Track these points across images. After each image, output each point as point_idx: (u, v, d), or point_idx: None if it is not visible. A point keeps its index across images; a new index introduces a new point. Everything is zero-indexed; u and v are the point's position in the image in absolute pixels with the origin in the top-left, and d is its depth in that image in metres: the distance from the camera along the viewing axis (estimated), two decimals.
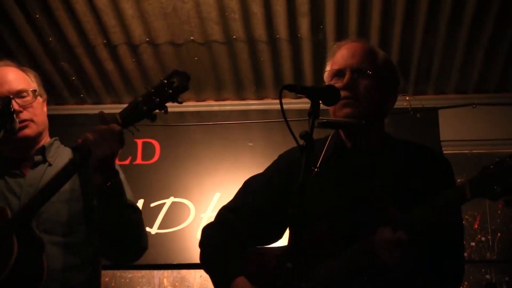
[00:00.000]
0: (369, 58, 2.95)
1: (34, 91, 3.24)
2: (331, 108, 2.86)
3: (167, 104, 2.69)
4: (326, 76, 3.01)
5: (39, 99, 3.27)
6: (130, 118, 2.71)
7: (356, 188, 2.84)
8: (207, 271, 3.04)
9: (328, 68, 3.02)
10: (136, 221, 3.00)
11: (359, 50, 2.97)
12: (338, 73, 2.93)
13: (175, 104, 2.71)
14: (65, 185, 2.93)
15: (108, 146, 2.73)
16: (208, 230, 3.12)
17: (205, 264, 3.06)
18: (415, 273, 2.56)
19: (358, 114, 2.84)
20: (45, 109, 3.34)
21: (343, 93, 2.77)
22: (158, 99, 2.62)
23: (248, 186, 3.17)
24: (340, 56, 2.98)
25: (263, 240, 3.04)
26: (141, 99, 2.65)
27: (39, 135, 3.25)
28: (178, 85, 2.61)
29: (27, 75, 3.31)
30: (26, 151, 3.24)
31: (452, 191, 2.45)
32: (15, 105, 3.12)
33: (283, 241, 3.07)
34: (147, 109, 2.64)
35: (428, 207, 2.48)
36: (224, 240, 3.02)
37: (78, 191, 3.12)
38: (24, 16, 5.17)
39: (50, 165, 3.22)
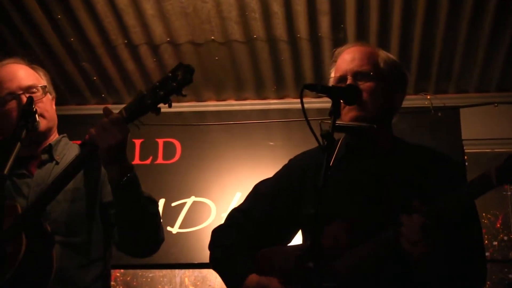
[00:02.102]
0: (369, 60, 2.92)
1: (43, 87, 3.24)
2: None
3: (181, 106, 2.68)
4: (331, 82, 3.00)
5: (49, 96, 3.27)
6: (135, 111, 2.71)
7: (368, 189, 2.84)
8: (218, 272, 3.05)
9: (332, 75, 3.00)
10: (154, 213, 3.00)
11: (359, 53, 2.94)
12: (341, 79, 2.91)
13: (196, 103, 2.71)
14: (69, 184, 2.94)
15: (111, 135, 2.72)
16: (217, 232, 3.13)
17: (215, 265, 3.07)
18: (439, 263, 2.55)
19: (364, 117, 2.82)
20: (54, 106, 3.33)
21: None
22: (162, 92, 2.62)
23: (258, 189, 3.17)
24: (341, 61, 2.96)
25: (272, 242, 3.01)
26: (146, 93, 2.67)
27: (49, 130, 3.25)
28: (181, 78, 2.61)
29: (37, 72, 3.32)
30: (35, 149, 3.24)
31: (478, 178, 2.44)
32: (24, 100, 3.14)
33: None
34: (151, 103, 2.64)
35: (454, 196, 2.47)
36: (234, 241, 3.02)
37: (82, 190, 3.12)
38: (46, 16, 5.20)
39: (57, 163, 3.22)
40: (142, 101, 2.67)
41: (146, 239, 3.03)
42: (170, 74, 2.63)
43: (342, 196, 2.85)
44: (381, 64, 2.94)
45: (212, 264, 3.08)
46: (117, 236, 3.06)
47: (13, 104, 3.18)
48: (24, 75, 3.25)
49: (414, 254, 2.50)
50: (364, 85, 2.84)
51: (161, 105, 2.69)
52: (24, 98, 3.14)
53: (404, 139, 3.03)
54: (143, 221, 2.93)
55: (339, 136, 2.98)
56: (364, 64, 2.88)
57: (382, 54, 3.00)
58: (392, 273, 2.62)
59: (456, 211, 2.49)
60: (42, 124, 3.14)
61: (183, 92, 2.65)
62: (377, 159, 2.89)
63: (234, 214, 3.13)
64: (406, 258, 2.52)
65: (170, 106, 2.65)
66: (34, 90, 3.20)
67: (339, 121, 2.65)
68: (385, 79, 2.91)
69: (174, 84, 2.61)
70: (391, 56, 3.04)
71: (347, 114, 2.83)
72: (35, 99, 3.11)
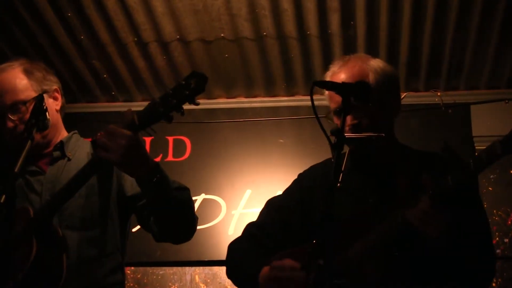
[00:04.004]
0: None
1: (33, 98, 3.13)
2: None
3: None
4: (330, 110, 2.97)
5: (45, 97, 3.14)
6: (147, 119, 2.69)
7: (378, 193, 2.86)
8: (235, 281, 3.07)
9: (328, 102, 2.96)
10: (187, 200, 3.04)
11: (350, 79, 2.82)
12: (338, 112, 2.90)
13: (206, 101, 2.71)
14: None
15: (116, 153, 2.70)
16: (233, 246, 3.15)
17: (232, 274, 3.10)
18: (448, 239, 2.56)
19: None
20: (53, 102, 3.30)
21: (349, 121, 2.80)
22: (175, 101, 2.60)
23: (272, 204, 3.20)
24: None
25: None
26: (158, 100, 2.64)
27: (46, 136, 3.24)
28: (194, 86, 2.58)
29: (26, 77, 3.23)
30: (43, 149, 3.26)
31: (485, 150, 2.46)
32: (8, 123, 3.14)
33: None
34: (163, 111, 2.62)
35: (461, 169, 2.49)
36: (249, 251, 3.05)
37: (96, 185, 3.14)
38: (56, 14, 5.21)
39: (69, 159, 3.24)
40: (154, 108, 2.65)
41: (184, 225, 3.06)
42: (183, 82, 2.60)
43: (352, 203, 2.85)
44: (373, 83, 2.86)
45: (229, 273, 3.11)
46: (156, 228, 3.07)
47: (1, 121, 3.19)
48: (5, 92, 3.19)
49: (423, 230, 2.51)
50: (364, 111, 2.82)
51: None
52: (8, 121, 3.14)
53: (408, 145, 3.03)
54: (178, 211, 2.96)
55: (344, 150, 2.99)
56: None
57: (371, 69, 2.93)
58: (400, 254, 2.63)
59: (463, 185, 2.51)
60: (36, 136, 3.06)
61: (196, 101, 2.64)
62: (385, 166, 2.90)
63: (249, 228, 3.17)
64: (416, 235, 2.53)
65: (182, 114, 2.63)
66: (19, 106, 3.16)
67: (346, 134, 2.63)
68: (380, 96, 2.87)
69: (187, 92, 2.59)
70: (380, 63, 2.98)
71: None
72: (20, 116, 3.10)
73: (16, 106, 3.16)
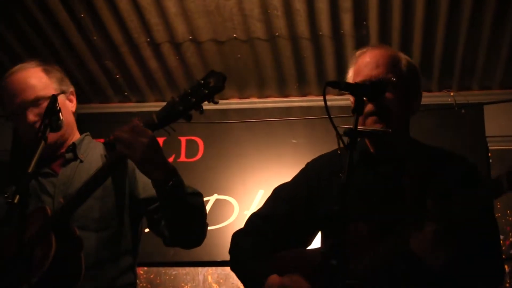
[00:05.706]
0: (393, 66, 2.87)
1: (53, 96, 3.10)
2: (360, 118, 2.79)
3: (204, 104, 2.69)
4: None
5: (60, 98, 3.18)
6: (166, 118, 2.71)
7: (384, 192, 2.85)
8: (238, 275, 3.06)
9: (351, 77, 2.94)
10: (200, 206, 3.05)
11: (382, 59, 2.87)
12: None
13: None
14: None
15: (138, 150, 2.72)
16: (237, 237, 3.14)
17: (236, 269, 3.08)
18: (451, 269, 2.54)
19: (388, 127, 2.78)
20: (69, 104, 3.33)
21: (370, 107, 2.77)
22: (194, 99, 2.62)
23: (278, 194, 3.17)
24: (363, 66, 2.89)
25: (291, 245, 3.02)
26: (178, 99, 2.66)
27: (62, 135, 3.25)
28: (213, 85, 2.62)
29: (46, 75, 3.28)
30: (57, 150, 3.27)
31: (489, 183, 2.44)
32: (30, 117, 3.16)
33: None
34: (183, 109, 2.64)
35: (465, 202, 2.46)
36: (253, 245, 3.03)
37: (110, 186, 3.15)
38: (69, 15, 5.23)
39: (81, 161, 3.25)
40: (173, 107, 2.67)
41: (195, 230, 3.09)
42: (202, 81, 2.63)
43: (359, 200, 2.83)
44: (404, 70, 2.89)
45: (232, 267, 3.10)
46: (166, 232, 3.09)
47: (20, 118, 3.21)
48: (26, 87, 3.22)
49: (426, 262, 2.50)
50: (389, 95, 2.78)
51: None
52: (30, 115, 3.17)
53: (420, 141, 3.01)
54: (190, 216, 2.98)
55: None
56: (388, 71, 2.82)
57: (403, 57, 2.95)
58: (403, 277, 2.62)
59: (468, 215, 2.48)
60: (53, 135, 3.10)
61: (216, 99, 2.66)
62: (393, 163, 2.88)
63: (253, 219, 3.15)
64: (420, 264, 2.52)
65: (202, 112, 2.65)
66: (41, 102, 3.19)
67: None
68: (407, 85, 2.88)
69: (206, 91, 2.61)
70: (409, 58, 2.99)
71: (372, 126, 2.81)
72: (42, 111, 3.10)
73: (38, 101, 3.20)
